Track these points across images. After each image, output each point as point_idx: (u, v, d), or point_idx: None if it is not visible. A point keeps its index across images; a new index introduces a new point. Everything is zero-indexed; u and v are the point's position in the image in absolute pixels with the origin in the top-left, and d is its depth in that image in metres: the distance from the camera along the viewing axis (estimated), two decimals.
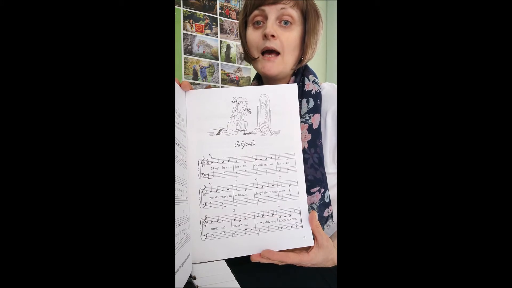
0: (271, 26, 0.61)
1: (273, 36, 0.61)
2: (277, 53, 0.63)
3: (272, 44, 0.61)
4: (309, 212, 0.52)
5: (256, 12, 0.62)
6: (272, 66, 0.63)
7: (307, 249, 0.51)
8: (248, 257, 0.49)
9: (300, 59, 0.66)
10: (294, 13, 0.61)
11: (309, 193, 0.57)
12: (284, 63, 0.63)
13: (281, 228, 0.51)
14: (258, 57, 0.64)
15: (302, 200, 0.52)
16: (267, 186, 0.51)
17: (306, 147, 0.60)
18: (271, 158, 0.52)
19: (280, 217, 0.51)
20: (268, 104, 0.54)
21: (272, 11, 0.61)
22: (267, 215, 0.51)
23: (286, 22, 0.61)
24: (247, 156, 0.52)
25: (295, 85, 0.55)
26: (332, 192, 0.62)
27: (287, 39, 0.62)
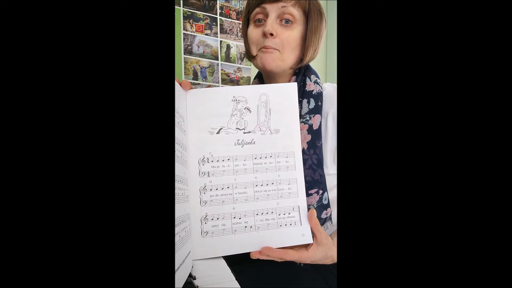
0: (271, 24, 0.60)
1: (272, 34, 0.60)
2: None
3: (270, 42, 0.61)
4: (308, 210, 0.52)
5: (257, 9, 0.62)
6: (269, 57, 0.62)
7: (306, 246, 0.51)
8: (248, 257, 0.50)
9: (301, 59, 0.65)
10: (295, 12, 0.61)
11: (307, 194, 0.58)
12: (283, 60, 0.63)
13: (280, 225, 0.51)
14: (256, 54, 0.64)
15: (301, 198, 0.53)
16: (267, 185, 0.52)
17: (305, 148, 0.60)
18: (270, 156, 0.53)
19: (279, 215, 0.52)
20: (268, 103, 0.54)
21: (273, 9, 0.61)
22: (267, 213, 0.51)
23: (287, 21, 0.61)
24: (247, 155, 0.52)
25: (295, 84, 0.55)
26: (332, 194, 0.62)
27: (287, 38, 0.61)
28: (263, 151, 0.53)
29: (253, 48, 0.65)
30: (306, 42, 0.63)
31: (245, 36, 0.67)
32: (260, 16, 0.63)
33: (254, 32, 0.64)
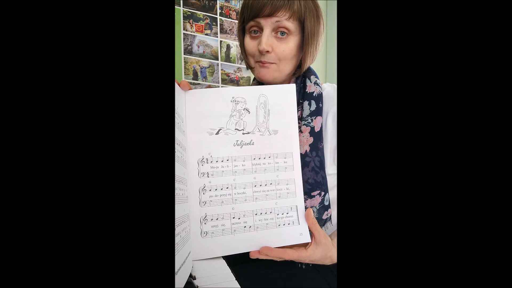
0: (266, 41, 0.59)
1: (268, 51, 0.60)
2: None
3: (266, 58, 0.61)
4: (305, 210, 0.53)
5: (252, 23, 0.61)
6: (267, 72, 0.63)
7: (306, 245, 0.52)
8: (248, 257, 0.50)
9: (299, 65, 0.65)
10: (290, 25, 0.59)
11: (309, 196, 0.58)
12: (280, 71, 0.63)
13: (279, 225, 0.51)
14: (254, 66, 0.65)
15: (299, 198, 0.53)
16: (265, 185, 0.52)
17: (307, 150, 0.60)
18: (269, 157, 0.53)
19: (277, 214, 0.52)
20: (267, 104, 0.54)
21: (267, 24, 0.59)
22: (265, 213, 0.51)
23: (282, 33, 0.60)
24: (246, 156, 0.52)
25: (293, 85, 0.56)
26: (332, 194, 0.62)
27: (283, 52, 0.61)
28: (261, 151, 0.53)
29: (250, 60, 0.65)
30: (303, 52, 0.63)
31: (242, 46, 0.67)
32: (255, 28, 0.62)
33: (250, 44, 0.63)
